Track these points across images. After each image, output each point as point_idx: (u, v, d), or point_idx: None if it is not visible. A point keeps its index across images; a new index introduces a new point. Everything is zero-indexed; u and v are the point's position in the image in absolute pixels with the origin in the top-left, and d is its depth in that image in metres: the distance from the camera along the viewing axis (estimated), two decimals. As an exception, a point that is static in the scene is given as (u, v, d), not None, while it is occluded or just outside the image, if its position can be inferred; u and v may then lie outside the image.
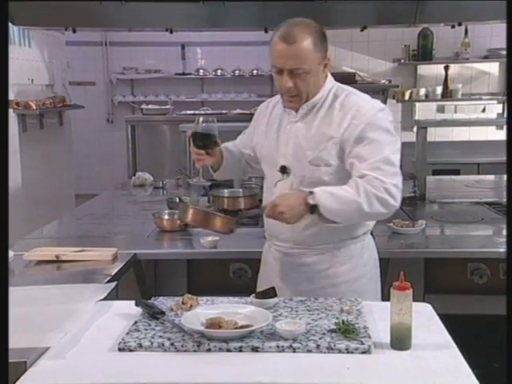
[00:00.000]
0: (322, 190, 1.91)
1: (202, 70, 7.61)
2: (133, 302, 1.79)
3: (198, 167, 2.30)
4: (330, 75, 2.06)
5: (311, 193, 1.90)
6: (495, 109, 6.02)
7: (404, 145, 6.74)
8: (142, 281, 2.57)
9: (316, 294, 1.93)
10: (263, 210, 1.99)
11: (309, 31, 1.92)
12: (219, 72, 7.58)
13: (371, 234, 2.21)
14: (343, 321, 1.62)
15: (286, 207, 1.90)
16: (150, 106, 6.39)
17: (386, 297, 1.59)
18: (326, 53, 1.98)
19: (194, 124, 2.14)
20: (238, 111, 6.18)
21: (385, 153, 1.93)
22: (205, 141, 2.12)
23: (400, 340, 1.53)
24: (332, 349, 1.51)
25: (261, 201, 2.29)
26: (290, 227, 1.98)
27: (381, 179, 1.88)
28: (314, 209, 1.89)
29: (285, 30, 1.92)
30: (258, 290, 2.07)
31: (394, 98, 6.01)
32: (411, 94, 5.89)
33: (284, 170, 2.05)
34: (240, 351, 1.51)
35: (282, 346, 1.52)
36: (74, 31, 3.67)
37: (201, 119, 2.14)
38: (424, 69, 6.06)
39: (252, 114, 2.36)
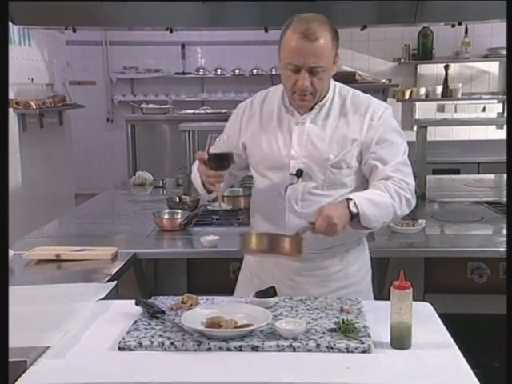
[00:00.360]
0: (360, 196, 1.86)
1: (201, 70, 7.61)
2: (133, 301, 1.79)
3: (218, 192, 1.97)
4: None
5: (349, 200, 1.84)
6: (495, 108, 6.01)
7: (404, 144, 6.55)
8: (142, 280, 2.57)
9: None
10: (311, 225, 1.80)
11: (327, 27, 1.88)
12: (219, 71, 7.58)
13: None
14: (343, 320, 1.62)
15: (337, 218, 1.77)
16: (150, 106, 6.38)
17: (386, 296, 1.59)
18: (337, 49, 1.95)
19: (207, 144, 1.90)
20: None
21: (402, 154, 1.99)
22: (224, 161, 1.90)
23: (400, 339, 1.53)
24: (332, 348, 1.51)
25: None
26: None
27: (405, 180, 1.94)
28: (354, 216, 1.82)
29: (303, 26, 1.84)
30: (237, 292, 2.08)
31: (394, 98, 6.00)
32: (411, 93, 5.88)
33: (300, 173, 1.96)
34: (240, 350, 1.51)
35: (282, 346, 1.52)
36: (74, 30, 3.66)
37: (216, 138, 1.94)
38: (424, 68, 6.06)
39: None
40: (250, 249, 1.82)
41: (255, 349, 1.51)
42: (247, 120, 2.08)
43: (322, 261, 2.04)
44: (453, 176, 4.67)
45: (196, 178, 2.05)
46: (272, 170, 2.01)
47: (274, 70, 7.23)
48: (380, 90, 6.05)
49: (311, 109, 1.98)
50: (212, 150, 1.88)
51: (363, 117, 1.97)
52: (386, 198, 1.89)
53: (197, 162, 1.99)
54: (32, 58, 5.27)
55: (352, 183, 1.99)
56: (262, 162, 2.04)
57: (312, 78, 1.87)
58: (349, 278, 2.07)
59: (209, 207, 2.02)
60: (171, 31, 3.74)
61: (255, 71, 7.57)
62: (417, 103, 6.07)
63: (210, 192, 2.03)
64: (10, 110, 4.74)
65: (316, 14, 1.92)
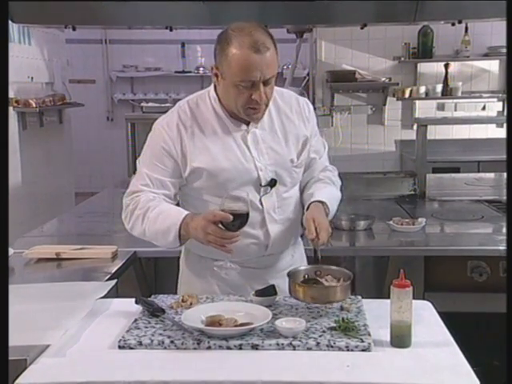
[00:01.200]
0: (326, 198, 1.94)
1: (201, 68, 7.60)
2: (133, 299, 1.79)
3: (229, 253, 1.77)
4: None
5: (321, 202, 1.91)
6: (495, 107, 6.01)
7: (404, 143, 6.78)
8: (141, 279, 2.57)
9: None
10: (316, 241, 1.79)
11: (266, 34, 1.78)
12: (219, 70, 7.57)
13: None
14: (343, 318, 1.62)
15: (328, 224, 1.84)
16: (149, 104, 6.37)
17: (386, 295, 1.59)
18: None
19: (226, 205, 1.73)
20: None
21: (322, 141, 2.11)
22: (244, 220, 1.74)
23: (400, 338, 1.53)
24: (332, 346, 1.51)
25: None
26: (257, 252, 1.94)
27: (333, 167, 2.11)
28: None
29: (249, 39, 1.73)
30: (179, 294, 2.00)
31: (393, 96, 6.01)
32: (411, 91, 5.88)
33: (274, 182, 1.90)
34: (240, 349, 1.51)
35: (282, 344, 1.52)
36: (74, 29, 3.65)
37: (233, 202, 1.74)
38: (424, 67, 6.05)
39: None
40: (303, 299, 1.71)
41: (255, 347, 1.51)
42: (189, 142, 1.87)
43: (281, 259, 2.03)
44: (453, 174, 4.67)
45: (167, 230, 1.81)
46: (241, 187, 1.86)
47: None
48: (380, 89, 6.06)
49: None
50: (226, 208, 1.72)
51: (300, 112, 1.99)
52: (336, 192, 2.04)
53: (158, 208, 1.82)
54: (32, 57, 5.26)
55: (299, 178, 2.04)
56: (228, 182, 1.87)
57: (265, 88, 1.79)
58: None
59: (215, 268, 1.92)
60: (171, 30, 3.73)
61: (255, 70, 7.55)
62: (417, 102, 6.07)
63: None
64: (10, 108, 4.73)
65: (245, 21, 1.80)
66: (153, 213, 1.83)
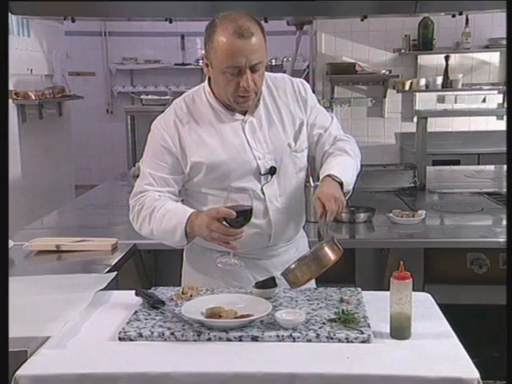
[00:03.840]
0: (335, 169, 1.86)
1: (201, 61, 7.57)
2: (133, 291, 1.79)
3: (233, 249, 1.78)
4: None
5: (329, 175, 1.83)
6: (495, 99, 6.00)
7: (404, 135, 6.77)
8: (141, 271, 2.58)
9: None
10: (323, 213, 1.74)
11: (253, 21, 1.77)
12: (219, 62, 7.55)
13: None
14: (343, 310, 1.62)
15: (338, 193, 1.77)
16: (149, 97, 6.36)
17: (386, 286, 1.59)
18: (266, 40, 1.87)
19: (224, 198, 1.75)
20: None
21: (330, 117, 2.05)
22: (248, 216, 1.74)
23: (400, 329, 1.53)
24: (332, 338, 1.51)
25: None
26: (260, 243, 1.93)
27: (347, 136, 2.04)
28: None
29: (233, 24, 1.72)
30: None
31: (394, 88, 6.00)
32: (411, 84, 5.87)
33: (274, 170, 1.89)
34: (240, 341, 1.51)
35: (282, 336, 1.52)
36: (73, 21, 3.64)
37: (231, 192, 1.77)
38: (424, 59, 6.04)
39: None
40: (300, 283, 1.70)
41: (255, 339, 1.52)
42: (187, 137, 1.88)
43: (286, 252, 2.02)
44: (453, 167, 4.67)
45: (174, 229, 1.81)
46: (241, 178, 1.88)
47: (273, 60, 7.20)
48: (380, 81, 6.05)
49: None
50: (229, 205, 1.73)
51: (295, 94, 1.97)
52: (348, 160, 1.94)
53: (165, 206, 1.83)
54: (31, 49, 5.25)
55: (305, 162, 2.02)
56: (228, 174, 1.87)
57: (253, 75, 1.78)
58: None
59: (219, 265, 1.90)
60: (170, 22, 3.72)
61: (255, 62, 7.53)
62: (417, 94, 6.06)
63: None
64: (10, 101, 4.73)
65: (233, 9, 1.79)
66: (159, 213, 1.84)
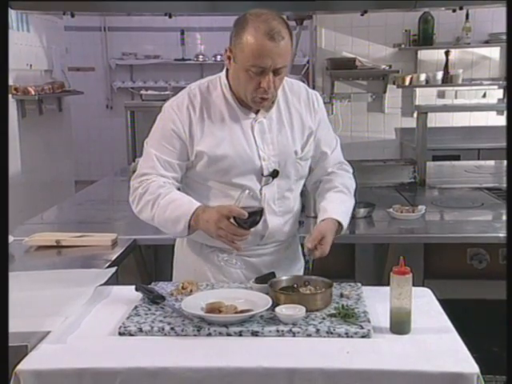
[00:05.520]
0: (343, 214, 1.91)
1: (201, 56, 7.57)
2: (133, 287, 1.80)
3: (238, 249, 1.79)
4: None
5: (338, 221, 1.88)
6: (496, 94, 6.00)
7: (404, 130, 6.76)
8: (141, 266, 2.58)
9: None
10: (312, 253, 1.79)
11: (285, 24, 1.78)
12: (219, 58, 7.52)
13: None
14: (343, 305, 1.63)
15: (330, 241, 1.83)
16: (149, 92, 6.34)
17: (385, 282, 1.59)
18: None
19: (238, 198, 1.76)
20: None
21: (333, 133, 2.09)
22: (258, 218, 1.76)
23: (399, 324, 1.53)
24: (332, 333, 1.51)
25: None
26: (252, 241, 1.90)
27: (348, 165, 2.08)
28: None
29: (266, 26, 1.73)
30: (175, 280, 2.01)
31: (394, 84, 5.99)
32: (411, 79, 5.86)
33: (276, 173, 1.90)
34: (240, 335, 1.52)
35: (282, 331, 1.52)
36: (73, 16, 3.63)
37: (247, 193, 1.78)
38: (424, 54, 6.03)
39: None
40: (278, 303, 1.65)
41: (255, 334, 1.52)
42: (198, 125, 1.87)
43: (277, 251, 2.02)
44: (453, 162, 4.67)
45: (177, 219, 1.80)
46: (242, 176, 1.88)
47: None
48: (380, 76, 6.05)
49: None
50: (241, 205, 1.73)
51: (308, 103, 1.98)
52: (351, 203, 2.01)
53: (168, 196, 1.82)
54: (30, 44, 5.24)
55: (307, 171, 2.04)
56: (230, 168, 1.87)
57: (275, 78, 1.79)
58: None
59: (221, 262, 1.90)
60: (170, 17, 3.70)
61: (255, 57, 7.51)
62: (417, 89, 6.05)
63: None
64: (9, 96, 4.72)
65: (266, 9, 1.80)
66: (163, 200, 1.82)
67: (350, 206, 2.00)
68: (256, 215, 1.75)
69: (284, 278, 1.78)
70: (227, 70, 1.89)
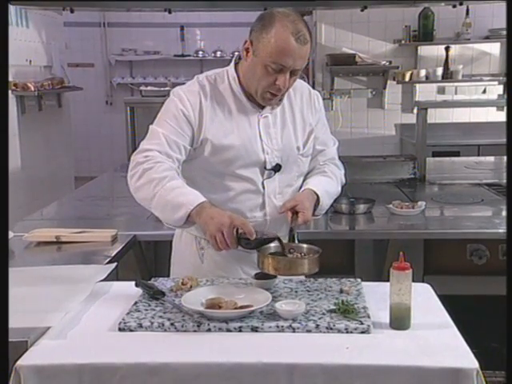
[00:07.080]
0: (320, 190, 1.95)
1: (201, 52, 7.57)
2: (133, 282, 1.79)
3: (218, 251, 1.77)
4: None
5: (315, 193, 1.93)
6: (496, 90, 5.98)
7: (404, 126, 6.76)
8: (141, 262, 2.58)
9: None
10: (295, 220, 1.82)
11: (307, 28, 1.81)
12: (218, 53, 7.53)
13: None
14: (343, 301, 1.63)
15: (310, 208, 1.87)
16: (148, 88, 6.34)
17: (385, 277, 1.59)
18: None
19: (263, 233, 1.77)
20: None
21: (330, 133, 2.14)
22: (258, 246, 1.74)
23: (399, 320, 1.54)
24: (331, 329, 1.51)
25: None
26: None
27: (342, 165, 2.12)
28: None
29: (293, 27, 1.76)
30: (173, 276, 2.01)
31: (394, 80, 5.98)
32: (411, 75, 5.86)
33: (279, 167, 1.93)
34: (240, 331, 1.52)
35: (282, 326, 1.52)
36: (72, 11, 3.63)
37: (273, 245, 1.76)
38: (424, 50, 6.02)
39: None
40: (266, 269, 1.71)
41: (255, 329, 1.52)
42: (207, 112, 1.88)
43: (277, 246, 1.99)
44: (453, 158, 4.67)
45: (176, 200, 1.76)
46: (245, 168, 1.91)
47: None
48: (380, 72, 6.03)
49: None
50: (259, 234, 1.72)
51: (310, 101, 2.03)
52: (335, 187, 2.05)
53: (173, 180, 1.78)
54: (30, 40, 5.23)
55: (307, 168, 2.07)
56: (235, 160, 1.89)
57: (290, 78, 1.82)
58: None
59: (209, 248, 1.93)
60: (170, 12, 3.71)
61: (255, 53, 7.51)
62: (417, 85, 6.04)
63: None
64: (9, 92, 4.71)
65: (292, 9, 1.82)
66: (170, 183, 1.77)
67: (334, 189, 2.04)
68: (262, 243, 1.73)
69: (273, 245, 1.79)
70: (237, 63, 1.92)
